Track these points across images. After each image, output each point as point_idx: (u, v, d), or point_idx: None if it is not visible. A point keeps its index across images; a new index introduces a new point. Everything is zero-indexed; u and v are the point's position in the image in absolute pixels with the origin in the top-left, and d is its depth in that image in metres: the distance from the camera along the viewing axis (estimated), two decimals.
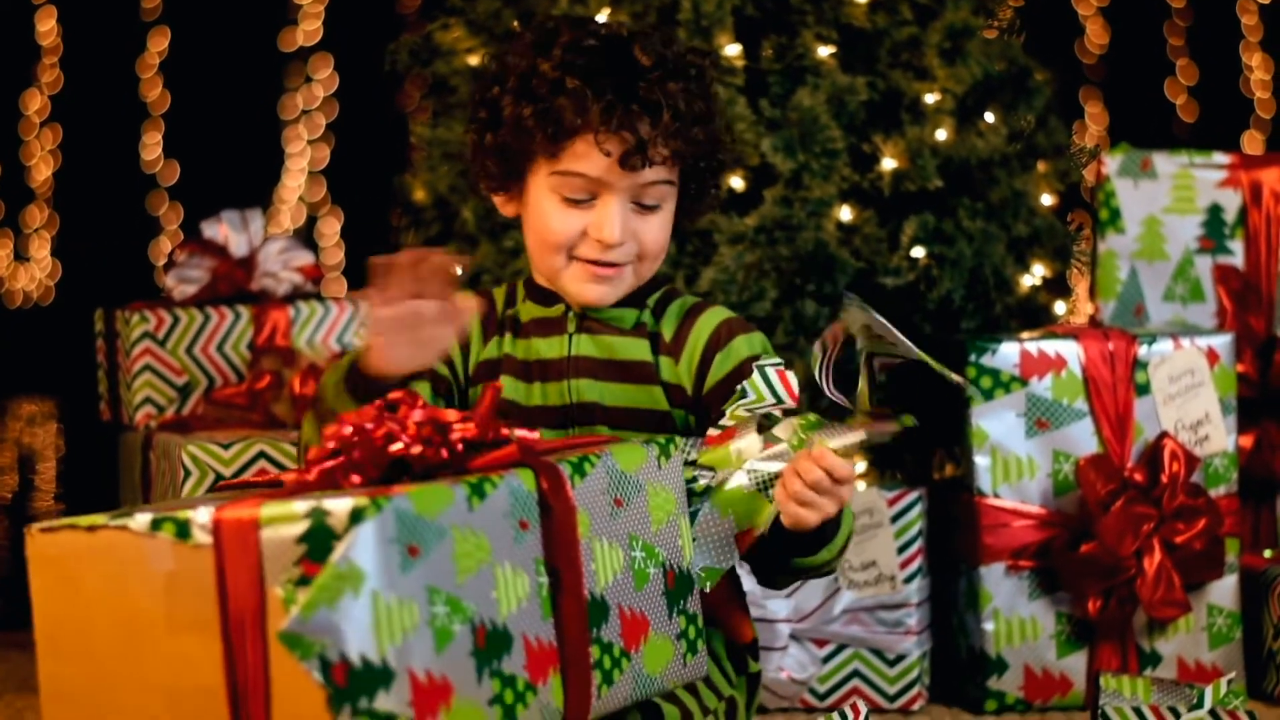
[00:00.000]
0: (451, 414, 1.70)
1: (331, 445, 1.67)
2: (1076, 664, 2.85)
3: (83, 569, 1.62)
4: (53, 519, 1.65)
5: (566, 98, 1.99)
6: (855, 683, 2.88)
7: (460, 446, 1.68)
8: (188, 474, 3.00)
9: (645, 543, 1.79)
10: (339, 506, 1.50)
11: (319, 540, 1.50)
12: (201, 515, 1.56)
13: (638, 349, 2.09)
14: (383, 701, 1.49)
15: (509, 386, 2.09)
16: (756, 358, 2.04)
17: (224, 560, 1.54)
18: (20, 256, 7.27)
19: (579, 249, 2.05)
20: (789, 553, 1.96)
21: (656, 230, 2.07)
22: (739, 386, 1.99)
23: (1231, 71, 7.06)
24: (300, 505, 1.52)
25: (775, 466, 1.88)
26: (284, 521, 1.52)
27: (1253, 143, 6.96)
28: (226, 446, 3.02)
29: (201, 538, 1.55)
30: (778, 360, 2.00)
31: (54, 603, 1.64)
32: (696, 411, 2.08)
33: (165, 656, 1.58)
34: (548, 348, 2.11)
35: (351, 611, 1.49)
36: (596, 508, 1.74)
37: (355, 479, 1.64)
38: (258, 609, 1.53)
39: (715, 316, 2.10)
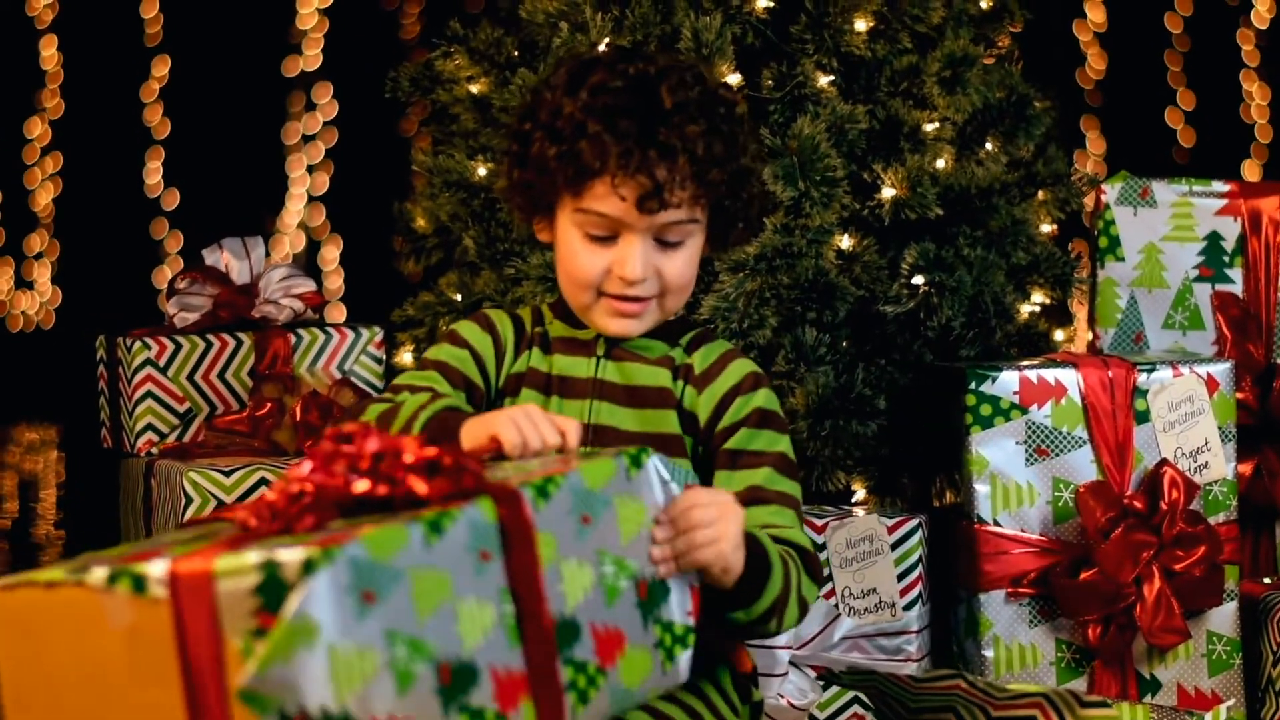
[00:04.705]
0: (407, 442, 1.69)
1: (295, 489, 1.67)
2: (1076, 690, 2.85)
3: (44, 626, 1.60)
4: (13, 577, 1.64)
5: (587, 141, 2.02)
6: (855, 709, 2.89)
7: (415, 481, 1.66)
8: (189, 501, 3.01)
9: (615, 557, 1.78)
10: (291, 557, 1.49)
11: (273, 592, 1.49)
12: (157, 569, 1.54)
13: (658, 376, 2.13)
14: None
15: (527, 399, 2.12)
16: (767, 413, 2.10)
17: (182, 614, 1.53)
18: (22, 283, 7.28)
19: (605, 285, 2.09)
20: (724, 608, 1.96)
21: (680, 266, 2.10)
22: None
23: (1231, 99, 7.08)
24: (253, 556, 1.50)
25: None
26: (238, 574, 1.50)
27: (1252, 170, 6.97)
28: (228, 473, 3.02)
29: (158, 591, 1.54)
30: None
31: (18, 660, 1.63)
32: (704, 441, 2.12)
33: (131, 710, 1.57)
34: (573, 366, 2.15)
35: (307, 665, 1.47)
36: (563, 529, 1.73)
37: (309, 521, 1.63)
38: (217, 661, 1.52)
39: (747, 366, 2.15)
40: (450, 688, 1.58)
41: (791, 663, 2.87)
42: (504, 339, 2.17)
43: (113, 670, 1.57)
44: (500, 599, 1.65)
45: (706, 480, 2.10)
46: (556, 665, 1.69)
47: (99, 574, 1.57)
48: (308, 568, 1.48)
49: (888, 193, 3.02)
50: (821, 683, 2.84)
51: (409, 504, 1.66)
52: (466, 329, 2.17)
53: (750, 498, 2.05)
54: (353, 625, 1.50)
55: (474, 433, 1.88)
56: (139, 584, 1.55)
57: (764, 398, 2.12)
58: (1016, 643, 2.84)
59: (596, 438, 2.10)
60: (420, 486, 1.65)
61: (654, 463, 1.84)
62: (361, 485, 1.65)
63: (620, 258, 2.07)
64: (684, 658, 1.86)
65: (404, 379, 2.13)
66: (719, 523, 1.85)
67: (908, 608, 2.88)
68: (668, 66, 2.08)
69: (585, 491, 1.76)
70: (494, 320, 2.18)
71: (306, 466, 1.66)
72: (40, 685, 1.62)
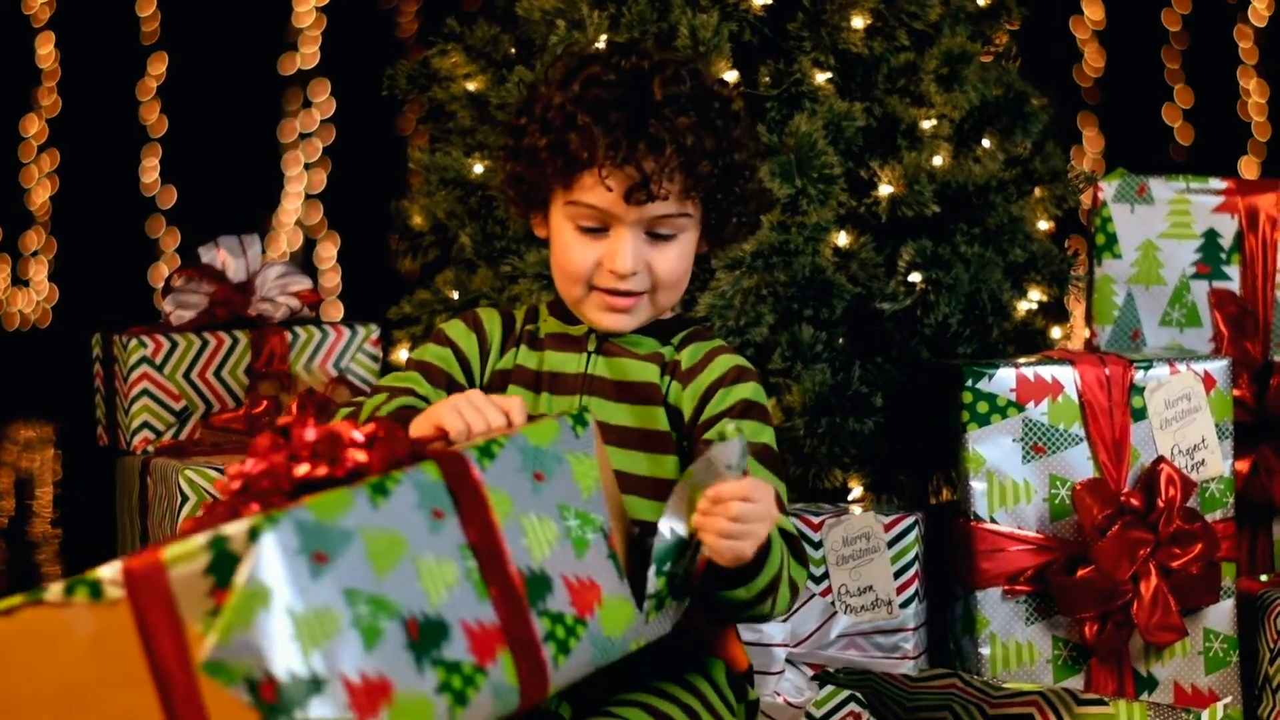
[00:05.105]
0: (342, 425, 1.71)
1: (236, 485, 1.68)
2: (1073, 688, 2.85)
3: (11, 650, 1.61)
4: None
5: (576, 132, 2.03)
6: (852, 707, 2.88)
7: (355, 453, 1.68)
8: (185, 499, 3.00)
9: (578, 511, 1.80)
10: (237, 529, 1.51)
11: (224, 567, 1.50)
12: (109, 570, 1.56)
13: (646, 371, 2.13)
14: (318, 709, 1.49)
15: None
16: (751, 403, 2.09)
17: (140, 610, 1.54)
18: (18, 280, 7.27)
19: (596, 279, 2.10)
20: (717, 586, 1.96)
21: (672, 260, 2.10)
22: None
23: (1228, 96, 7.07)
24: (201, 538, 1.52)
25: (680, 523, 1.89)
26: (188, 558, 1.52)
27: (1249, 167, 6.97)
28: (224, 472, 3.02)
29: (114, 593, 1.55)
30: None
31: None
32: (689, 438, 2.11)
33: (109, 718, 1.59)
34: (564, 362, 2.15)
35: (267, 628, 1.48)
36: (516, 486, 1.75)
37: (255, 507, 1.64)
38: (183, 650, 1.52)
39: (733, 360, 2.14)
40: (420, 642, 1.59)
41: (788, 660, 2.87)
42: (490, 336, 2.17)
43: (85, 681, 1.58)
44: (461, 555, 1.67)
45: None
46: (529, 617, 1.71)
47: (55, 589, 1.58)
48: (253, 534, 1.50)
49: (885, 190, 3.02)
50: (817, 683, 2.83)
51: (354, 480, 1.67)
52: (452, 328, 2.18)
53: None
54: (308, 586, 1.51)
55: (420, 426, 1.90)
56: (95, 589, 1.56)
57: (748, 390, 2.11)
58: (1013, 640, 2.84)
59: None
60: (360, 456, 1.68)
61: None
62: (302, 469, 1.68)
63: (611, 250, 2.07)
64: (674, 610, 1.87)
65: (385, 380, 2.15)
66: (755, 524, 1.86)
67: (904, 605, 2.88)
68: (662, 61, 2.08)
69: (533, 450, 1.79)
70: (481, 318, 2.18)
71: (249, 462, 1.69)
72: (18, 707, 1.62)
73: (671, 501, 1.88)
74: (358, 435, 1.70)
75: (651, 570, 1.85)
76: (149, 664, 1.54)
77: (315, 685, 1.49)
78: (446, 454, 1.72)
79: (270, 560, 1.50)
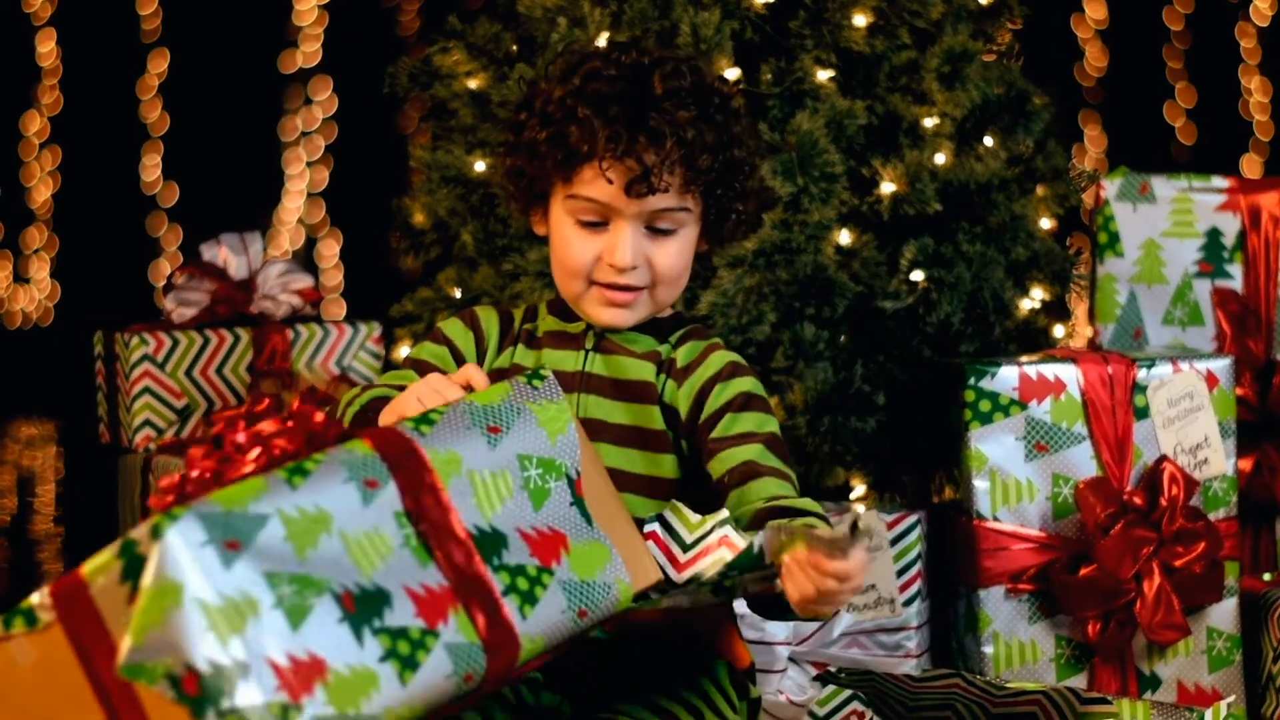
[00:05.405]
0: (268, 425, 1.72)
1: (170, 499, 1.69)
2: (1076, 687, 2.85)
3: None
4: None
5: (576, 125, 2.03)
6: (854, 705, 2.88)
7: (280, 443, 1.69)
8: None
9: (541, 459, 1.81)
10: (141, 530, 1.51)
11: (137, 570, 1.51)
12: (38, 596, 1.57)
13: (642, 369, 2.12)
14: (245, 695, 1.49)
15: None
16: (751, 395, 2.08)
17: (72, 630, 1.55)
18: (20, 278, 7.28)
19: (596, 273, 2.09)
20: (774, 609, 1.94)
21: (672, 255, 2.09)
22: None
23: (1230, 95, 7.08)
24: (113, 547, 1.53)
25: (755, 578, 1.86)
26: (104, 569, 1.53)
27: (1251, 166, 6.97)
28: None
29: (46, 617, 1.56)
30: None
31: None
32: (688, 437, 2.10)
33: None
34: (561, 360, 2.14)
35: (180, 622, 1.49)
36: (466, 443, 1.76)
37: None
38: (116, 663, 1.53)
39: (727, 357, 2.13)
40: (358, 614, 1.59)
41: (791, 658, 2.86)
42: (487, 335, 2.17)
43: (39, 710, 1.59)
44: (398, 522, 1.67)
45: (699, 477, 2.08)
46: (483, 573, 1.71)
47: None
48: (155, 532, 1.51)
49: (887, 188, 3.02)
50: (819, 683, 2.83)
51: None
52: (449, 326, 2.18)
53: (747, 473, 2.03)
54: (220, 575, 1.52)
55: (386, 418, 1.92)
56: (29, 618, 1.58)
57: (747, 384, 2.10)
58: (1016, 639, 2.84)
59: (585, 431, 2.09)
60: (285, 445, 1.69)
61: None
62: (240, 470, 1.69)
63: (610, 244, 2.07)
64: (700, 593, 1.88)
65: (381, 379, 2.16)
66: (841, 599, 1.82)
67: (907, 604, 2.88)
68: (662, 58, 2.09)
69: (483, 408, 1.80)
70: (479, 317, 2.18)
71: (179, 475, 1.70)
72: None
73: (779, 525, 1.85)
74: (275, 424, 1.71)
75: (710, 559, 1.83)
76: (90, 683, 1.56)
77: (238, 672, 1.49)
78: (378, 429, 1.73)
79: (175, 555, 1.50)
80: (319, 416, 1.74)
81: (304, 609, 1.56)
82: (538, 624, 1.73)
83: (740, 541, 1.86)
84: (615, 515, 1.86)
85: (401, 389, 2.09)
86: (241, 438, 1.71)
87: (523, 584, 1.73)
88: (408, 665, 1.61)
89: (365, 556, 1.63)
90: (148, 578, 1.49)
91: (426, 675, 1.62)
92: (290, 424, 1.72)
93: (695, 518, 1.90)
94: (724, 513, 1.90)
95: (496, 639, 1.69)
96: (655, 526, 1.86)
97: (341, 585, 1.59)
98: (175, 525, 1.51)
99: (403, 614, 1.63)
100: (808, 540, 1.79)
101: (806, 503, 2.01)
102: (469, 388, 1.91)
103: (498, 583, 1.71)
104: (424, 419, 1.75)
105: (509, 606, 1.71)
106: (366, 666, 1.58)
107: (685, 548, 1.89)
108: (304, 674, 1.53)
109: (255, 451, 1.70)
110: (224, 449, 1.71)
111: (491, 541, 1.73)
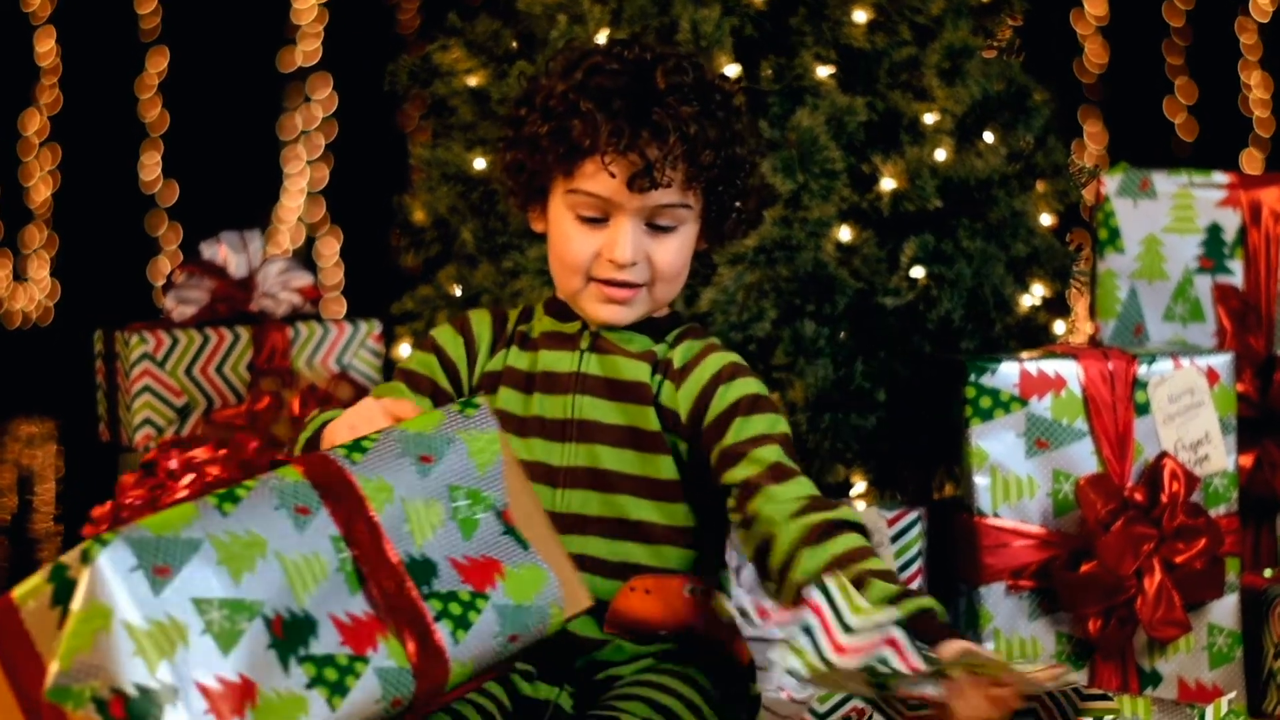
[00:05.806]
0: (201, 453, 1.73)
1: (104, 527, 1.69)
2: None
3: None
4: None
5: (579, 119, 2.02)
6: (855, 702, 2.88)
7: (211, 469, 1.70)
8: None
9: (469, 490, 1.80)
10: (72, 555, 1.52)
11: (67, 595, 1.52)
12: None
13: (638, 370, 2.11)
14: (174, 719, 1.49)
15: (506, 397, 2.11)
16: (758, 397, 2.06)
17: (4, 654, 1.55)
18: (19, 277, 7.28)
19: (595, 270, 2.08)
20: None
21: (672, 252, 2.08)
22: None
23: (1230, 90, 7.08)
24: (43, 571, 1.53)
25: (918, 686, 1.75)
26: (35, 593, 1.53)
27: (1252, 161, 6.97)
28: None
29: None
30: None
31: None
32: (689, 439, 2.08)
33: None
34: (557, 361, 2.13)
35: (107, 647, 1.49)
36: (397, 472, 1.76)
37: None
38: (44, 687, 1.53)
39: (726, 357, 2.11)
40: (286, 640, 1.60)
41: None
42: (478, 339, 2.16)
43: None
44: (335, 546, 1.68)
45: (708, 483, 2.06)
46: (415, 600, 1.71)
47: None
48: (85, 557, 1.51)
49: (887, 185, 3.02)
50: None
51: None
52: (440, 333, 2.18)
53: (777, 474, 2.00)
54: (148, 600, 1.52)
55: (324, 445, 1.93)
56: None
57: (751, 385, 2.08)
58: (1017, 635, 2.84)
59: (580, 432, 2.08)
60: (219, 472, 1.70)
61: (487, 405, 1.85)
62: (172, 496, 1.69)
63: (610, 240, 2.06)
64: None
65: (377, 390, 2.15)
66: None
67: None
68: (664, 54, 2.08)
69: (415, 436, 1.80)
70: (470, 321, 2.17)
71: (110, 506, 1.70)
72: None
73: (955, 648, 1.77)
74: (209, 454, 1.72)
75: (872, 657, 1.71)
76: (21, 708, 1.56)
77: (167, 696, 1.50)
78: (310, 456, 1.74)
79: (104, 580, 1.51)
80: (252, 444, 1.75)
81: (234, 634, 1.57)
82: (469, 649, 1.73)
83: (916, 659, 1.72)
84: (547, 539, 1.85)
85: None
86: (174, 464, 1.72)
87: (455, 609, 1.74)
88: (336, 691, 1.62)
89: (301, 579, 1.64)
90: (77, 602, 1.50)
91: (356, 699, 1.63)
92: (223, 451, 1.73)
93: (862, 601, 1.77)
94: (894, 612, 1.76)
95: (426, 664, 1.69)
96: (816, 595, 1.75)
97: (274, 610, 1.60)
98: (105, 550, 1.52)
99: (328, 642, 1.63)
100: (1008, 674, 1.72)
101: (846, 512, 1.97)
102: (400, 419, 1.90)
103: (430, 609, 1.72)
104: (356, 446, 1.76)
105: (441, 631, 1.71)
106: (294, 692, 1.59)
107: (847, 630, 1.75)
108: (235, 698, 1.54)
109: (189, 478, 1.71)
110: (157, 475, 1.72)
111: (422, 569, 1.73)
